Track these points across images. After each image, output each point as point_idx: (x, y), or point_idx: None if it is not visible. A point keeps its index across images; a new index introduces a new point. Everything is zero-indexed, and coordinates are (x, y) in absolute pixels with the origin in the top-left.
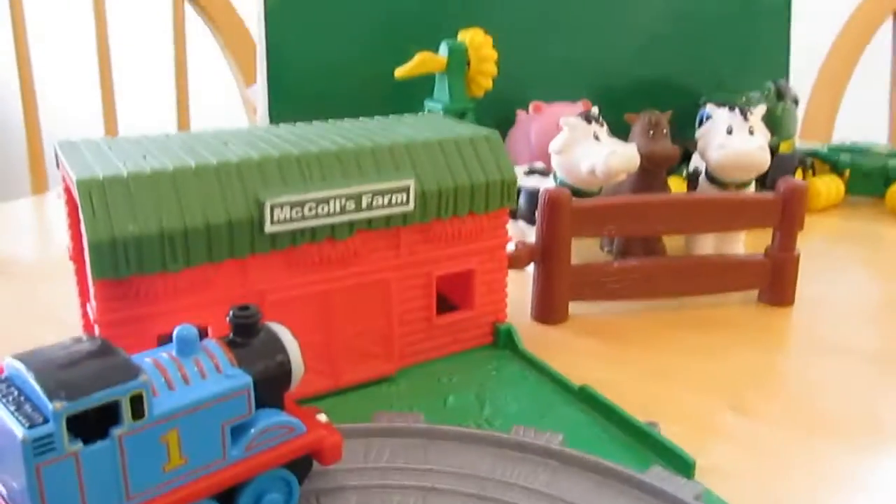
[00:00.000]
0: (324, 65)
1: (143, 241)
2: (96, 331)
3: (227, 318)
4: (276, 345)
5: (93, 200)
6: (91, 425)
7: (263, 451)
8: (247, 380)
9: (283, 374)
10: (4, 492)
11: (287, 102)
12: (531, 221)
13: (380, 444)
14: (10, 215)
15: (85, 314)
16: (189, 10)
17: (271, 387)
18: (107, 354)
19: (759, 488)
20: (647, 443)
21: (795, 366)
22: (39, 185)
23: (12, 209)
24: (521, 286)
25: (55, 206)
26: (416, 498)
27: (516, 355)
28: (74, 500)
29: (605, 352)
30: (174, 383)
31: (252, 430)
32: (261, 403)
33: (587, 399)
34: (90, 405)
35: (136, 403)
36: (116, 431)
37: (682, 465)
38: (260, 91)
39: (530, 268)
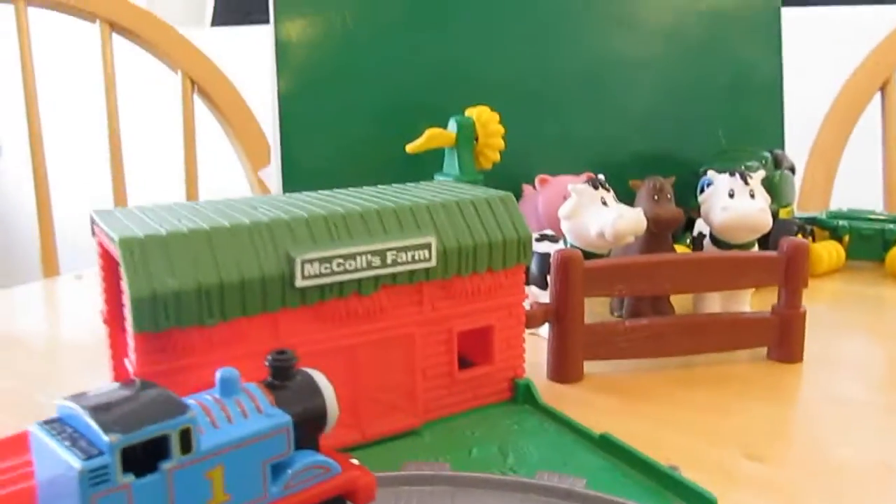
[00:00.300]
0: (336, 145)
1: (181, 295)
2: None
3: (266, 362)
4: (313, 387)
5: (134, 257)
6: (140, 460)
7: (300, 491)
8: (287, 419)
9: (319, 415)
10: None
11: (300, 183)
12: (543, 286)
13: (408, 491)
14: (24, 297)
15: (117, 366)
16: (197, 101)
17: (308, 428)
18: (155, 393)
19: None
20: (668, 485)
21: (807, 417)
22: (50, 268)
23: (25, 292)
24: (535, 350)
25: (68, 289)
26: None
27: (536, 409)
28: None
29: (620, 407)
30: (218, 422)
31: (290, 470)
32: (298, 445)
33: (607, 446)
34: (143, 438)
35: (185, 438)
36: (166, 465)
37: None
38: (273, 173)
39: (544, 331)
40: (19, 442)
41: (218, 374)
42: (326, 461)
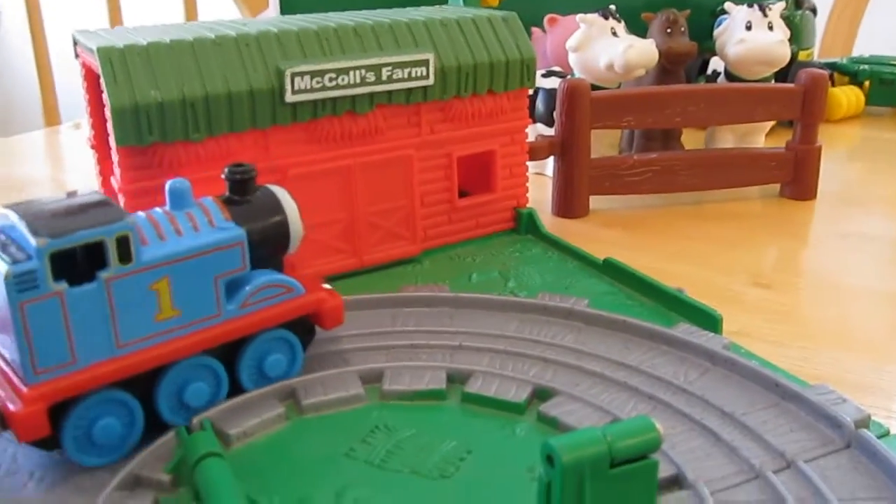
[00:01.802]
0: None
1: (164, 107)
2: (121, 201)
3: (223, 175)
4: (274, 204)
5: (114, 68)
6: (80, 270)
7: (260, 310)
8: (239, 232)
9: (280, 234)
10: (6, 354)
11: None
12: (549, 123)
13: (407, 312)
14: (26, 145)
15: (107, 192)
16: None
17: (268, 247)
18: (98, 204)
19: (784, 348)
20: (672, 305)
21: (817, 250)
22: (51, 118)
23: (27, 140)
24: (541, 189)
25: (67, 137)
26: (444, 355)
27: (539, 238)
28: (61, 343)
29: (626, 240)
30: (166, 234)
31: (247, 287)
32: (259, 264)
33: (611, 271)
34: (74, 243)
35: (123, 246)
36: (103, 274)
37: (710, 322)
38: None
39: (549, 171)
40: None
41: (167, 186)
42: (287, 280)
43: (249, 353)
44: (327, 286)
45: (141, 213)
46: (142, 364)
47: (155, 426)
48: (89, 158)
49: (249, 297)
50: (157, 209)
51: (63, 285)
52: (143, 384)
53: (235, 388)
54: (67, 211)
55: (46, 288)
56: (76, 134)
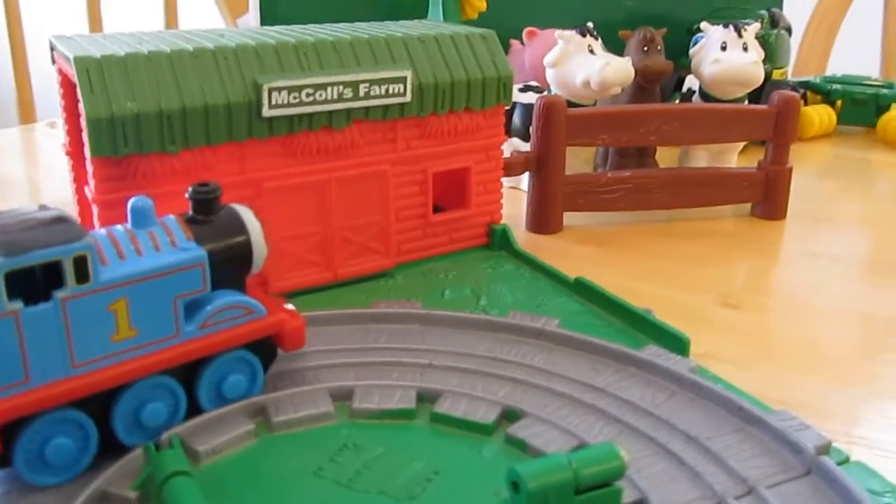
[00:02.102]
0: None
1: (141, 119)
2: (94, 212)
3: (186, 195)
4: (237, 224)
5: (91, 78)
6: (36, 289)
7: (219, 331)
8: (201, 253)
9: (243, 254)
10: None
11: None
12: (525, 138)
13: (378, 328)
14: (2, 142)
15: (81, 199)
16: None
17: (230, 267)
18: (57, 221)
19: (750, 370)
20: (641, 326)
21: (787, 270)
22: (27, 116)
23: (3, 136)
24: (516, 203)
25: (43, 135)
26: (414, 373)
27: (512, 255)
28: (16, 363)
29: (599, 257)
30: (126, 254)
31: (207, 308)
32: (220, 285)
33: (582, 290)
34: (30, 262)
35: (80, 266)
36: (59, 294)
37: (677, 345)
38: (252, 21)
39: (524, 185)
40: None
41: (129, 204)
42: (248, 302)
43: (209, 373)
44: (290, 306)
45: (101, 231)
46: (97, 384)
47: (112, 445)
48: (65, 162)
49: (209, 318)
50: (119, 227)
51: (18, 304)
52: (98, 404)
53: (194, 409)
54: (25, 228)
55: (1, 307)
56: (52, 133)
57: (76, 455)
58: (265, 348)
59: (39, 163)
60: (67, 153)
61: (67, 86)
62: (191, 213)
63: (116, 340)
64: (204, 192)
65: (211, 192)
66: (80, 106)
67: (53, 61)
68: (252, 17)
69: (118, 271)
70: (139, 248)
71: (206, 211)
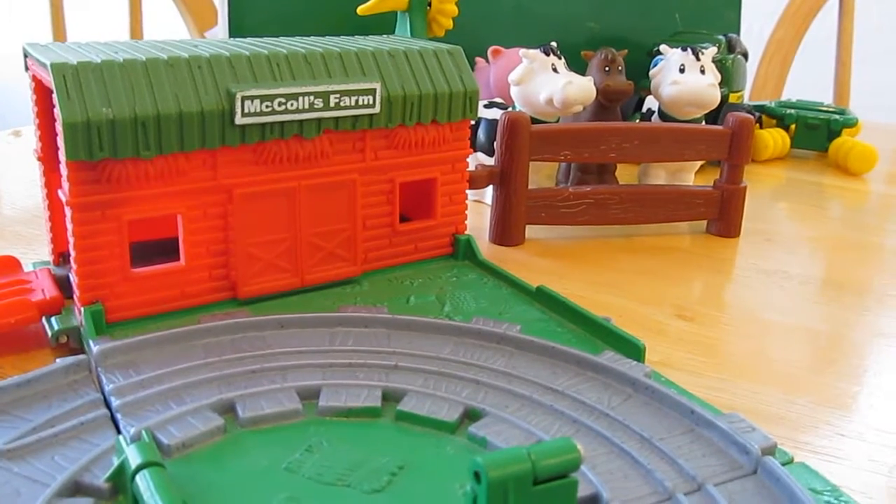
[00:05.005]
0: (283, 7)
1: (116, 124)
2: (68, 214)
3: None
4: None
5: (67, 84)
6: None
7: None
8: None
9: None
10: None
11: None
12: (490, 153)
13: (344, 332)
14: None
15: (52, 203)
16: None
17: None
18: None
19: (703, 378)
20: (599, 333)
21: (740, 285)
22: None
23: None
24: (480, 216)
25: (6, 144)
26: (380, 374)
27: (476, 264)
28: None
29: (559, 269)
30: None
31: None
32: None
33: (543, 298)
34: None
35: None
36: None
37: (633, 351)
38: (220, 35)
39: (488, 199)
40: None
41: None
42: None
43: None
44: None
45: None
46: None
47: None
48: (30, 168)
49: None
50: None
51: None
52: None
53: None
54: None
55: None
56: (16, 142)
57: None
58: None
59: (3, 173)
60: (39, 158)
61: (41, 91)
62: None
63: None
64: None
65: None
66: (56, 111)
67: (27, 68)
68: (221, 30)
69: None
70: None
71: None
